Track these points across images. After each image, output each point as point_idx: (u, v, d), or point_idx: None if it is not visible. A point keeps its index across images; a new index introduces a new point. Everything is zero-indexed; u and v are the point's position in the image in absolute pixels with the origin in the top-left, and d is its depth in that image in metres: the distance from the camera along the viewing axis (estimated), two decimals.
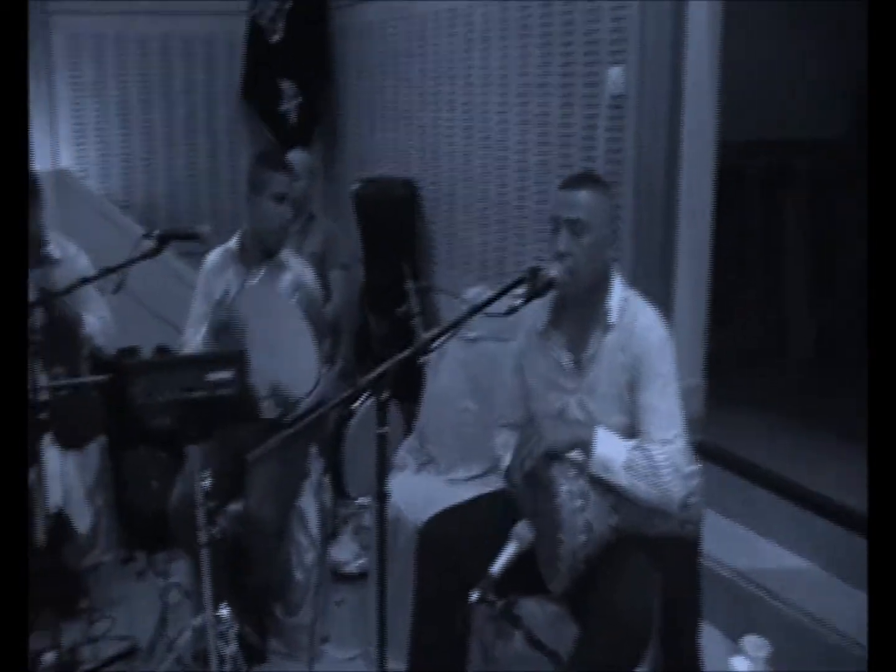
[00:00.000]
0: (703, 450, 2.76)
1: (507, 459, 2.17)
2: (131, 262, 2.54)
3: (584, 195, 2.03)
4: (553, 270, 1.99)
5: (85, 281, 2.61)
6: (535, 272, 2.00)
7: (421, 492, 2.84)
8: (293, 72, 4.84)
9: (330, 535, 3.25)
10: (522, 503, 2.06)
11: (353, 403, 1.87)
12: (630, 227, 2.78)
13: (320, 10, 4.80)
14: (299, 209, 3.95)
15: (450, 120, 3.80)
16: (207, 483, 2.25)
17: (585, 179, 2.11)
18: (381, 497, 1.86)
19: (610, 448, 1.96)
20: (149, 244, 2.57)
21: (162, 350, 3.78)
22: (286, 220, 2.89)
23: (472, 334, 3.07)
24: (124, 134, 4.94)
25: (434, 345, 1.96)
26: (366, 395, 3.57)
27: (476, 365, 3.02)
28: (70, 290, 2.63)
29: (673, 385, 2.01)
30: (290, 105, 4.89)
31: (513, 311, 1.93)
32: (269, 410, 2.70)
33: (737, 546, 2.78)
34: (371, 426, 3.40)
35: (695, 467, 2.06)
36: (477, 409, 3.00)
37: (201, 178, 5.07)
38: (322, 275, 3.81)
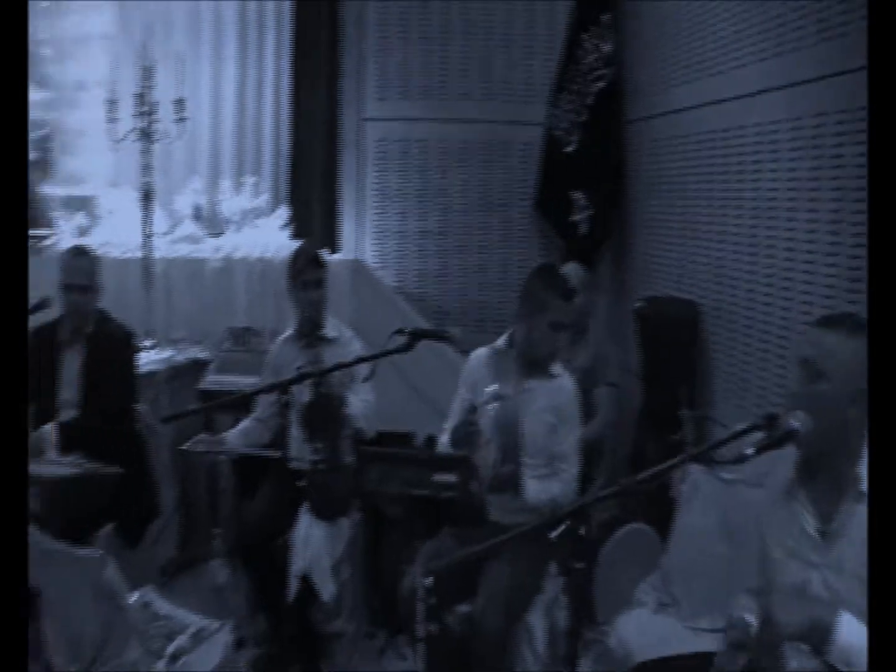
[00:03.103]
0: None
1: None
2: (383, 353, 2.84)
3: (828, 338, 1.85)
4: (796, 421, 1.86)
5: (338, 367, 2.92)
6: (772, 419, 1.91)
7: (656, 634, 2.78)
8: (586, 183, 5.03)
9: (568, 656, 3.24)
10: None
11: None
12: None
13: (615, 124, 4.98)
14: (573, 324, 4.08)
15: (736, 244, 3.77)
16: (430, 580, 2.37)
17: (840, 322, 1.91)
18: (574, 633, 1.86)
19: (857, 639, 1.72)
20: (402, 340, 2.82)
21: (431, 440, 4.01)
22: (559, 347, 3.02)
23: (728, 475, 2.98)
24: (421, 231, 5.40)
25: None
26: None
27: (732, 509, 2.92)
28: (332, 370, 2.95)
29: None
30: (581, 216, 5.07)
31: (742, 460, 1.84)
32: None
33: None
34: (630, 550, 3.44)
35: None
36: (730, 556, 2.88)
37: (492, 279, 5.37)
38: (588, 391, 3.89)
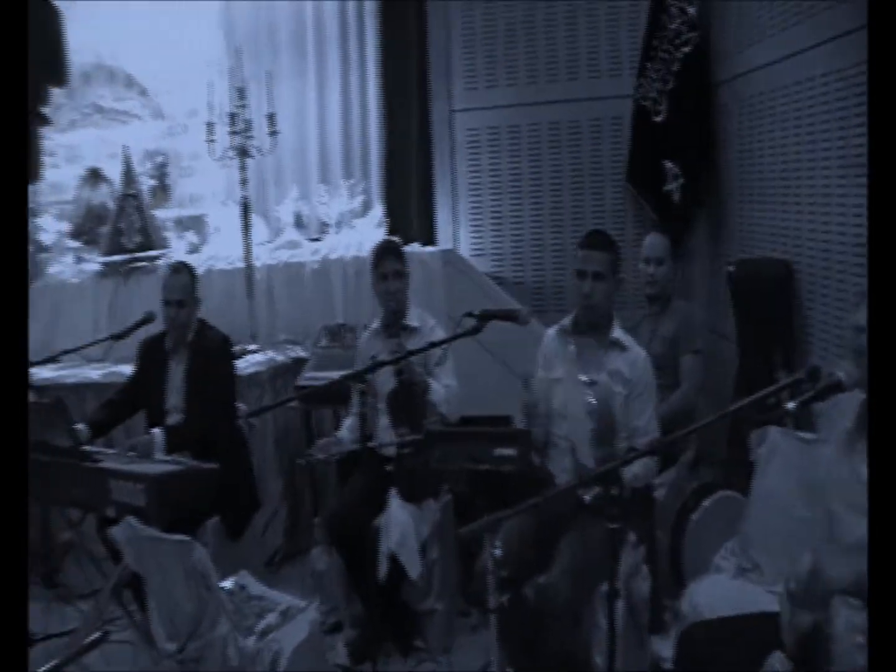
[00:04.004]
0: None
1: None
2: (453, 338, 2.95)
3: None
4: (840, 372, 1.86)
5: (410, 353, 3.05)
6: (815, 372, 1.90)
7: (734, 599, 2.75)
8: (677, 152, 4.97)
9: (656, 626, 3.27)
10: (791, 626, 1.95)
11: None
12: None
13: (703, 88, 4.88)
14: (659, 292, 4.09)
15: (825, 196, 3.66)
16: (499, 552, 2.47)
17: None
18: (612, 594, 1.92)
19: None
20: (471, 322, 2.93)
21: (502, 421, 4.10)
22: (598, 297, 3.06)
23: (808, 435, 2.93)
24: (516, 216, 5.49)
25: None
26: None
27: (811, 469, 2.86)
28: (404, 357, 3.10)
29: None
30: (673, 185, 5.01)
31: (784, 415, 1.86)
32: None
33: None
34: (720, 518, 3.43)
35: None
36: (811, 519, 2.83)
37: None
38: (674, 358, 3.89)
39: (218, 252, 5.28)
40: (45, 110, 3.90)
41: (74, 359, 4.43)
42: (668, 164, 5.02)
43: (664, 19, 5.01)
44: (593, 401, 2.80)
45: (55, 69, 3.94)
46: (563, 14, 5.36)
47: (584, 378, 2.85)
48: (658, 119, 5.07)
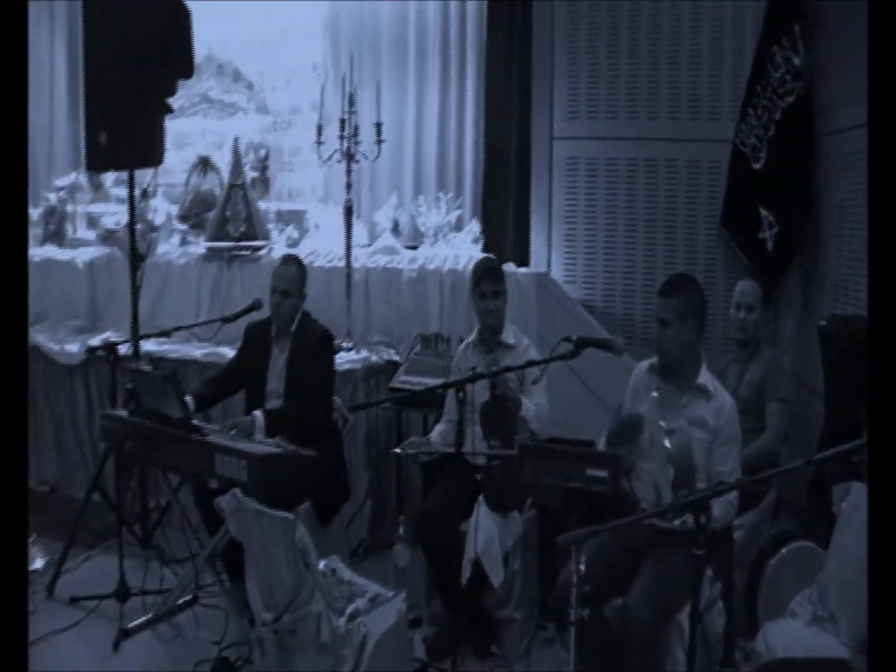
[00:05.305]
0: None
1: None
2: (550, 359, 3.11)
3: None
4: None
5: (508, 369, 3.22)
6: None
7: (807, 644, 2.85)
8: (774, 200, 5.06)
9: (727, 663, 3.37)
10: None
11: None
12: None
13: (804, 139, 4.95)
14: (749, 338, 4.20)
15: None
16: (583, 567, 2.61)
17: None
18: (694, 617, 2.04)
19: None
20: (568, 346, 3.09)
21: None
22: (665, 343, 3.20)
23: None
24: (609, 247, 5.64)
25: None
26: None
27: None
28: (502, 371, 3.26)
29: None
30: (768, 234, 5.11)
31: (852, 475, 1.95)
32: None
33: None
34: (797, 568, 3.52)
35: None
36: None
37: None
38: (760, 404, 4.01)
39: (316, 248, 5.49)
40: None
41: (180, 335, 4.69)
42: (764, 212, 5.11)
43: (769, 67, 5.11)
44: (669, 446, 2.93)
45: (183, 62, 4.21)
46: (667, 52, 5.50)
47: (662, 424, 2.98)
48: (757, 166, 5.17)
